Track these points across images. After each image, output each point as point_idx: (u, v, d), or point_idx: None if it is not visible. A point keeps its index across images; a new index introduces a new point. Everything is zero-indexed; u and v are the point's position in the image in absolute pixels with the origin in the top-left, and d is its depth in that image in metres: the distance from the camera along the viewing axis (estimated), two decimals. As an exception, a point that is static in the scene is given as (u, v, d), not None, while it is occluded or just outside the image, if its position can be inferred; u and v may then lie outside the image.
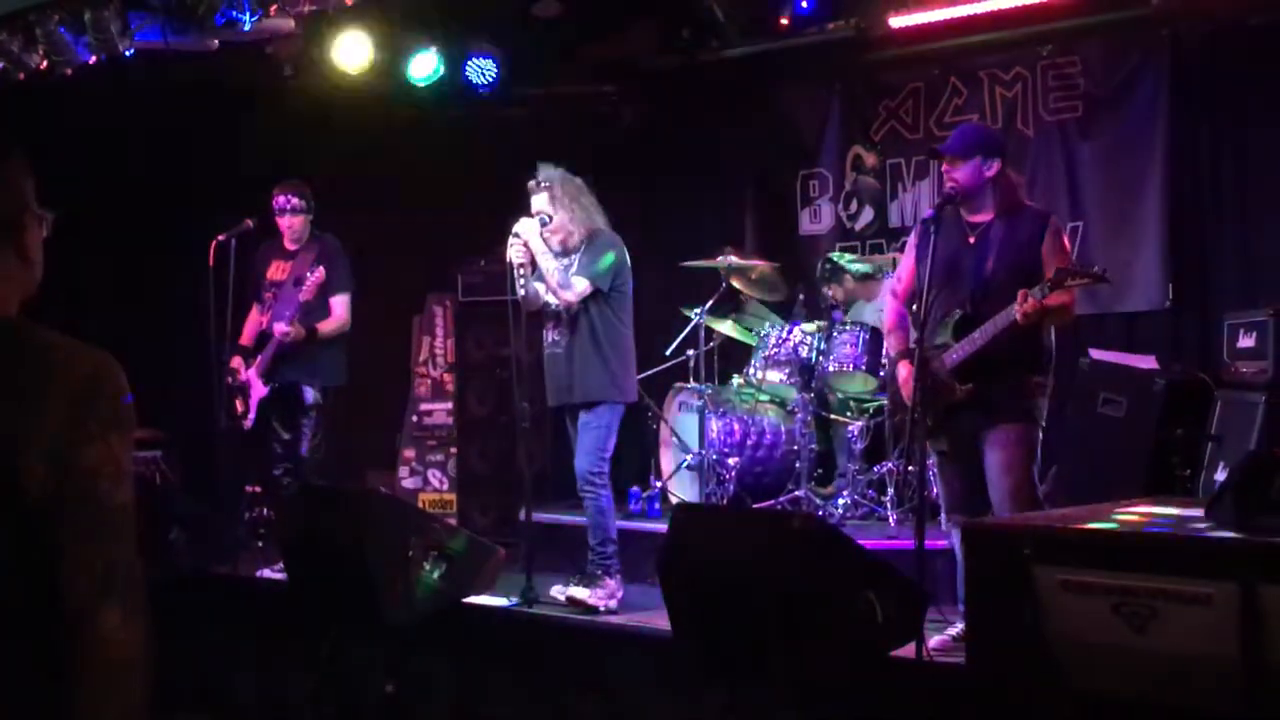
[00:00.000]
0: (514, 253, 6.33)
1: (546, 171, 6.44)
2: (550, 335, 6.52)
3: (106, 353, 2.06)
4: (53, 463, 1.95)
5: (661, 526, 6.64)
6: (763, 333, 8.01)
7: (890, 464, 7.33)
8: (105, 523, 1.99)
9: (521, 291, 6.39)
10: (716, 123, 9.34)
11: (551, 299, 6.41)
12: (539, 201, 6.40)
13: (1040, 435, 5.35)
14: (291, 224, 7.42)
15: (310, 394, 7.33)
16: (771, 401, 8.00)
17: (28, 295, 2.16)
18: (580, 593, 6.32)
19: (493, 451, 8.81)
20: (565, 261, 6.41)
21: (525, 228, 6.32)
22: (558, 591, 6.50)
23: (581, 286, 6.31)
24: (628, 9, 8.61)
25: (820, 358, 7.69)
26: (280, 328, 7.17)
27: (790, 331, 7.87)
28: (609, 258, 6.37)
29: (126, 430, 2.04)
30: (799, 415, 7.62)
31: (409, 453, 9.40)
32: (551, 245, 6.38)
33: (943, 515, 5.59)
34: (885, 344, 5.87)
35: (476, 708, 5.92)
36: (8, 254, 2.11)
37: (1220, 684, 3.59)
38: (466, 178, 9.16)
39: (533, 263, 6.36)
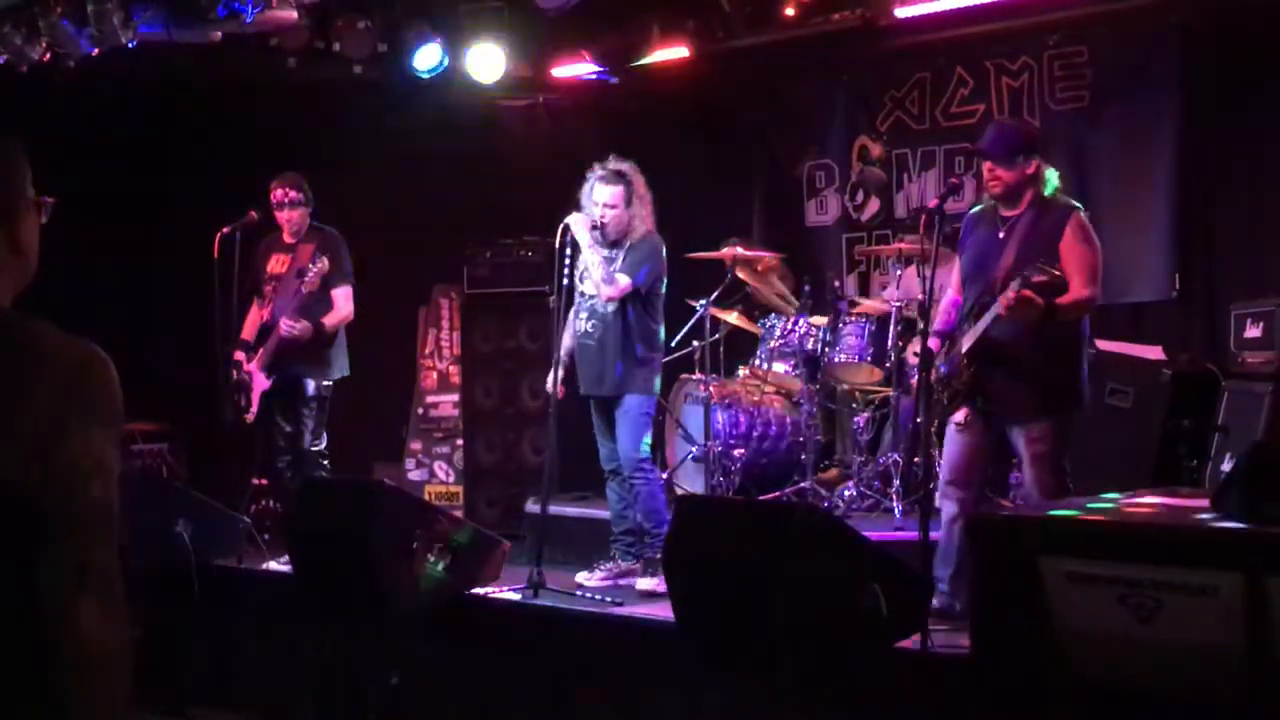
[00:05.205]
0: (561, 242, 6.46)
1: (623, 165, 6.58)
2: (584, 326, 6.61)
3: (94, 345, 2.02)
4: (34, 455, 1.92)
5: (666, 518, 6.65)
6: (768, 324, 8.00)
7: (895, 455, 7.31)
8: (83, 518, 1.94)
9: (566, 282, 6.48)
10: (722, 114, 9.31)
11: (589, 289, 6.53)
12: (613, 193, 6.46)
13: (1071, 429, 5.44)
14: (290, 217, 7.40)
15: (312, 386, 7.32)
16: (777, 393, 7.99)
17: (22, 286, 2.12)
18: (648, 583, 6.37)
19: (499, 443, 8.80)
20: (607, 253, 6.52)
21: (575, 222, 6.44)
22: (584, 577, 6.56)
23: (624, 283, 6.44)
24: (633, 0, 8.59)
25: (826, 349, 7.67)
26: (285, 324, 7.15)
27: (796, 323, 7.86)
28: (654, 260, 6.54)
29: (111, 424, 1.99)
30: (804, 407, 7.60)
31: (415, 445, 9.41)
32: (607, 234, 6.50)
33: (941, 484, 5.68)
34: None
35: (480, 698, 5.92)
36: (1, 244, 2.08)
37: (1226, 674, 3.58)
38: (471, 168, 9.16)
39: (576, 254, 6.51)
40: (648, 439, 6.61)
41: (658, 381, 6.71)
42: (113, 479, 1.98)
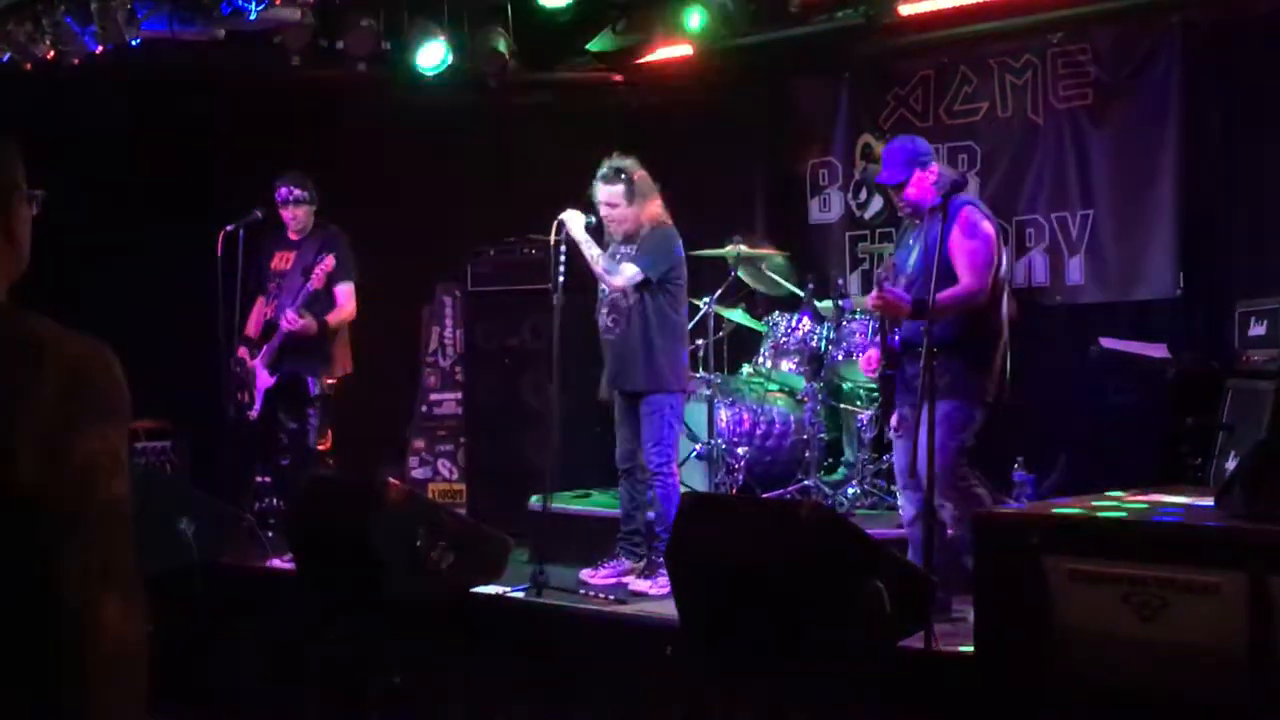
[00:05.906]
0: (556, 239, 6.50)
1: (623, 163, 6.56)
2: (605, 320, 6.62)
3: (99, 340, 2.01)
4: (45, 454, 1.91)
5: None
6: (772, 321, 8.00)
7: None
8: (103, 514, 1.94)
9: (562, 278, 6.47)
10: (725, 112, 9.30)
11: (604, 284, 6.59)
12: (610, 192, 6.46)
13: (972, 412, 5.61)
14: (295, 214, 7.43)
15: (315, 384, 7.33)
16: (781, 390, 7.98)
17: (15, 278, 2.12)
18: (642, 584, 6.39)
19: (502, 441, 8.79)
20: (625, 249, 6.53)
21: (570, 218, 6.45)
22: (588, 575, 6.58)
23: (630, 273, 6.44)
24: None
25: (829, 346, 7.67)
26: (290, 317, 7.15)
27: (799, 320, 7.85)
28: (664, 250, 6.53)
29: (122, 420, 1.98)
30: (808, 404, 7.60)
31: (418, 443, 9.41)
32: (615, 232, 6.51)
33: (899, 487, 5.98)
34: None
35: (484, 698, 5.92)
36: None
37: (1228, 674, 3.58)
38: (474, 166, 9.15)
39: (575, 250, 6.52)
40: (673, 440, 6.58)
41: (683, 375, 6.69)
42: (127, 474, 1.98)
